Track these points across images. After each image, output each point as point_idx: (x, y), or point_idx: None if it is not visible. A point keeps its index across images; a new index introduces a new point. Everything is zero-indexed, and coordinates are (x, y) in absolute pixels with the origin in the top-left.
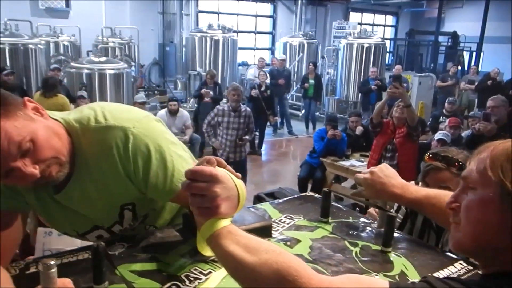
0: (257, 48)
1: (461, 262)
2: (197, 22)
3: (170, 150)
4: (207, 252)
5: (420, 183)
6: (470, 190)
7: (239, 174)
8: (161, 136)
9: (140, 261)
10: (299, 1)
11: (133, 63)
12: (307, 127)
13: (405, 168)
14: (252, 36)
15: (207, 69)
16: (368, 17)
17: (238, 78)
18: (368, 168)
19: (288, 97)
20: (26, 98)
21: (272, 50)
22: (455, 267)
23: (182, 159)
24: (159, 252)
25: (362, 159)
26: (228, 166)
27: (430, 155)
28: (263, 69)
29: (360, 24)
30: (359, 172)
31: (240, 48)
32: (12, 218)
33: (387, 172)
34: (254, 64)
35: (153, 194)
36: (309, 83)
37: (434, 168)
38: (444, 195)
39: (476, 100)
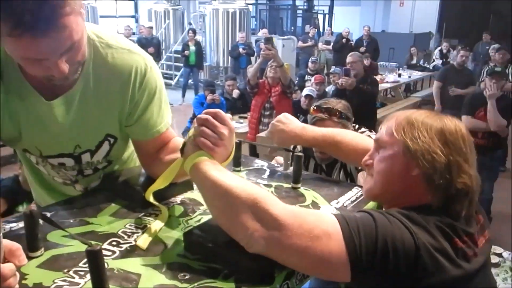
0: (120, 16)
1: (356, 187)
2: None
3: (166, 96)
4: (152, 198)
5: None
6: (381, 148)
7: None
8: (163, 81)
9: (69, 226)
10: None
11: None
12: (183, 95)
13: None
14: (112, 3)
15: None
16: None
17: None
18: (249, 127)
19: (159, 66)
20: None
21: (136, 17)
22: (352, 191)
23: (168, 107)
24: (87, 216)
25: (242, 121)
26: None
27: (315, 108)
28: (131, 38)
29: None
30: (241, 133)
31: (101, 16)
32: None
33: (284, 120)
34: (119, 33)
35: (138, 129)
36: (190, 50)
37: (319, 119)
38: (337, 133)
39: (332, 58)
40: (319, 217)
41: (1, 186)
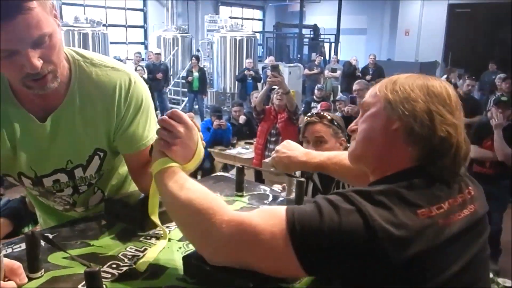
0: (130, 43)
1: None
2: (61, 15)
3: (153, 111)
4: (156, 218)
5: (302, 141)
6: (365, 112)
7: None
8: (150, 96)
9: (70, 247)
10: None
11: None
12: None
13: None
14: (123, 30)
15: None
16: (237, 11)
17: None
18: (255, 153)
19: (167, 91)
20: None
21: (145, 44)
22: None
23: (155, 122)
24: (88, 238)
25: (248, 147)
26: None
27: (308, 117)
28: (140, 64)
29: (230, 17)
30: (247, 159)
31: (111, 43)
32: None
33: (289, 147)
34: (128, 59)
35: (123, 142)
36: (193, 76)
37: (310, 122)
38: (340, 154)
39: (339, 86)
40: (266, 216)
41: (7, 207)
